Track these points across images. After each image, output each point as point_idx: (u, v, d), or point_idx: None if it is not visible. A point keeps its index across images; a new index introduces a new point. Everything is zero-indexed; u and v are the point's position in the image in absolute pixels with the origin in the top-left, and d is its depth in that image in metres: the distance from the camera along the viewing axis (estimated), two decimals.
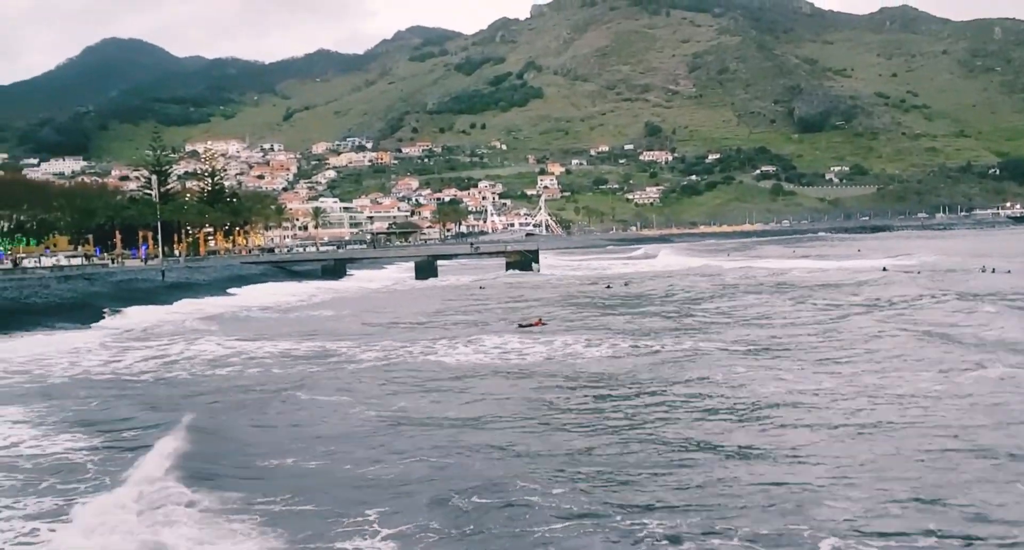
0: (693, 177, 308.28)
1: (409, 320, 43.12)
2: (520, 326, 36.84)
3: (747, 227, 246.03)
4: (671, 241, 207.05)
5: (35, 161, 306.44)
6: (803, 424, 17.14)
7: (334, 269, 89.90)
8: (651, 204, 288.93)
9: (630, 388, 22.08)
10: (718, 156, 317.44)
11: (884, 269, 62.97)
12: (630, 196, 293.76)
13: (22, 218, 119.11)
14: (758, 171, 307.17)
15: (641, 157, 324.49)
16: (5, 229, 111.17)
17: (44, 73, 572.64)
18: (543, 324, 37.11)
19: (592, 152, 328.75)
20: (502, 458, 15.44)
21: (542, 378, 24.06)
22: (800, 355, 26.11)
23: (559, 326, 37.12)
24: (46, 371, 28.56)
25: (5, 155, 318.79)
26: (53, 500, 13.60)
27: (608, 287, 59.74)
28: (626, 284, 61.92)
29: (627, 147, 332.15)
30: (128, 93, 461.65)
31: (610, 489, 13.37)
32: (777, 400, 19.50)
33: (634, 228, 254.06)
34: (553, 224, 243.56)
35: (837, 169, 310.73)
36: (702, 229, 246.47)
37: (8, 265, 72.06)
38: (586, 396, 21.41)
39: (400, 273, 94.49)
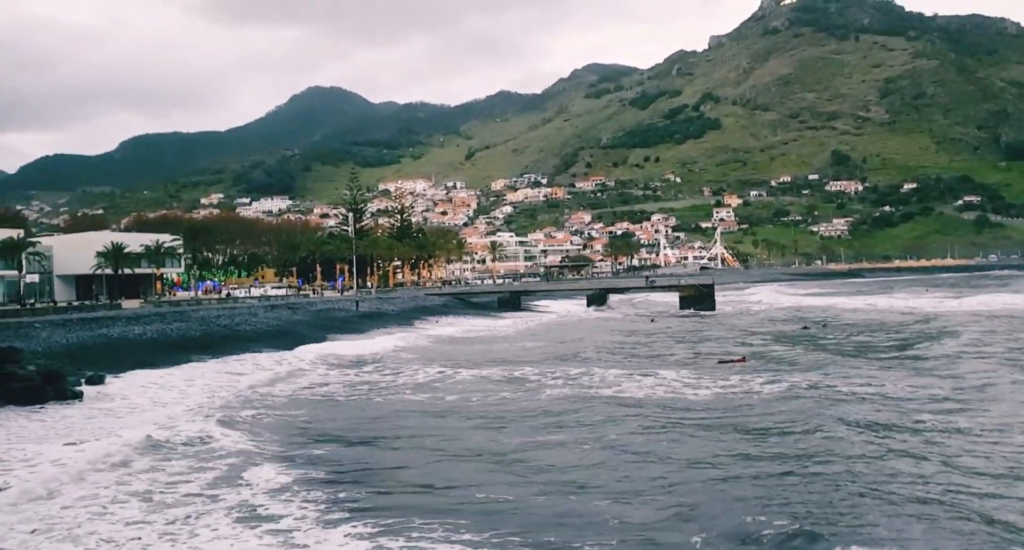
0: (886, 208, 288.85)
1: (586, 353, 44.14)
2: (720, 362, 36.11)
3: (948, 262, 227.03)
4: (861, 276, 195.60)
5: (247, 200, 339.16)
6: None
7: (510, 301, 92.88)
8: (838, 237, 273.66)
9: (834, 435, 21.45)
10: (915, 185, 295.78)
11: None
12: (814, 228, 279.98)
13: (235, 252, 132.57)
14: (960, 201, 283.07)
15: (827, 187, 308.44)
16: (220, 262, 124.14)
17: (256, 120, 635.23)
18: (745, 362, 35.83)
19: (772, 183, 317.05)
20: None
21: (729, 417, 24.08)
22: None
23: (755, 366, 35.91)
24: (269, 391, 32.17)
25: (221, 195, 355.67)
26: None
27: (805, 328, 56.60)
28: (824, 326, 58.54)
29: (811, 177, 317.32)
30: (329, 137, 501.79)
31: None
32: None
33: (819, 262, 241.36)
34: (729, 257, 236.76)
35: None
36: (896, 263, 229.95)
37: (222, 295, 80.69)
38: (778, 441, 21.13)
39: (573, 305, 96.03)
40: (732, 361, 36.08)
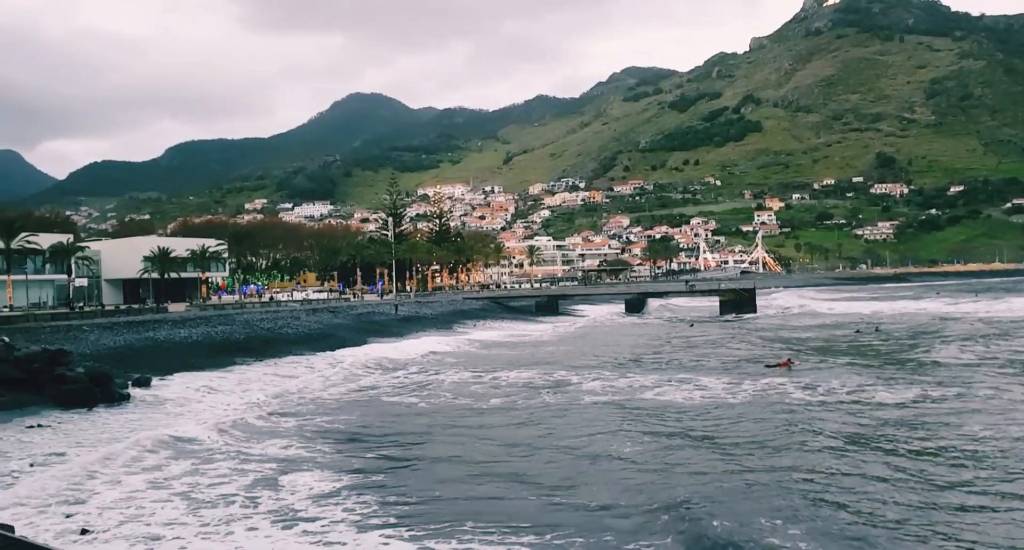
0: (932, 211, 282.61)
1: (624, 357, 43.94)
2: (767, 366, 36.12)
3: (996, 266, 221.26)
4: (908, 280, 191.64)
5: (290, 205, 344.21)
6: None
7: (547, 305, 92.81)
8: (883, 240, 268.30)
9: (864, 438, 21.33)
10: (962, 188, 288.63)
11: None
12: (859, 232, 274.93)
13: (278, 256, 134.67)
14: (1009, 204, 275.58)
15: (872, 190, 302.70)
16: (263, 266, 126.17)
17: (298, 126, 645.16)
18: (791, 366, 35.65)
19: (815, 186, 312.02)
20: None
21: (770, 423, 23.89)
22: None
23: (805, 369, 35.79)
24: (313, 394, 32.61)
25: (265, 200, 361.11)
26: None
27: (857, 332, 56.24)
28: (876, 329, 57.81)
29: (855, 180, 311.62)
30: (369, 143, 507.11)
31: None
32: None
33: (863, 266, 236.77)
34: (771, 261, 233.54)
35: None
36: (943, 267, 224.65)
37: (266, 299, 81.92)
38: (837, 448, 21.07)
39: (611, 310, 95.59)
40: (778, 365, 36.02)
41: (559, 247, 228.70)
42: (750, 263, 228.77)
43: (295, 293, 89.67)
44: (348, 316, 65.31)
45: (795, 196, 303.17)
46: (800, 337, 54.38)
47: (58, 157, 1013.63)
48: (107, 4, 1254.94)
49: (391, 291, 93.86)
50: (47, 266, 68.17)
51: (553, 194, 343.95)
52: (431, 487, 17.43)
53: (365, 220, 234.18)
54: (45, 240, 66.59)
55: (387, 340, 55.71)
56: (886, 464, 17.82)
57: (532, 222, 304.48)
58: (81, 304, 64.98)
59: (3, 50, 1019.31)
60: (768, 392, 28.84)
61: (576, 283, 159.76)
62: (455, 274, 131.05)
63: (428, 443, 22.43)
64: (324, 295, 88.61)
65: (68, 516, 15.69)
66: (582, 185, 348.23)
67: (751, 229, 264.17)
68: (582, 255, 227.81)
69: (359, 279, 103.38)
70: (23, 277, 63.31)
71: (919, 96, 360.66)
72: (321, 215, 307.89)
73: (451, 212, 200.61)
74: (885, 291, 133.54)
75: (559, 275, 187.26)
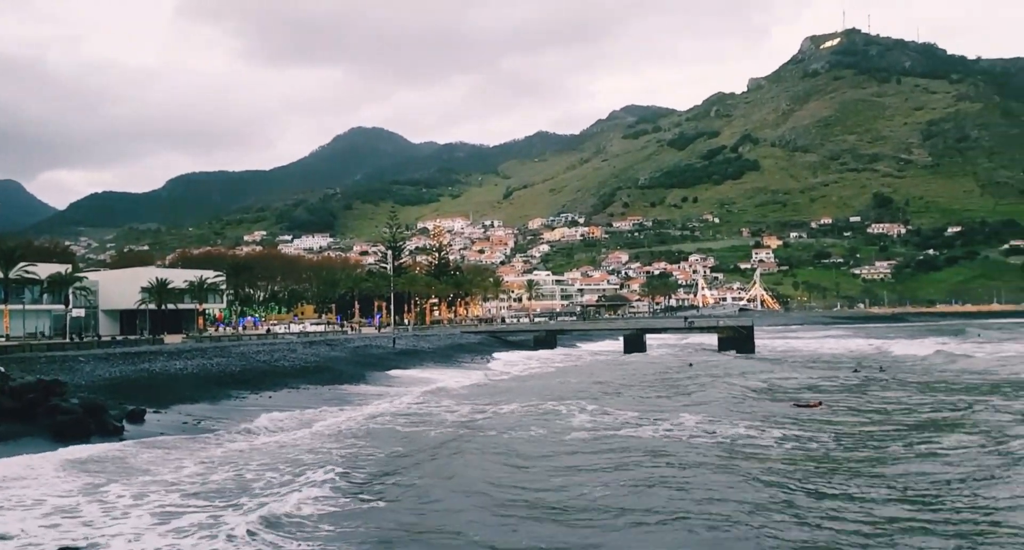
0: (930, 251, 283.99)
1: (621, 393, 43.55)
2: (796, 405, 37.14)
3: (995, 307, 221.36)
4: (906, 320, 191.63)
5: (289, 237, 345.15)
6: None
7: (546, 340, 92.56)
8: (881, 280, 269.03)
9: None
10: (959, 229, 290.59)
11: None
12: (856, 271, 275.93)
13: (276, 288, 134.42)
14: (1007, 245, 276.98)
15: (869, 230, 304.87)
16: (261, 298, 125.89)
17: (299, 159, 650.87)
18: (820, 406, 36.60)
19: (813, 224, 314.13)
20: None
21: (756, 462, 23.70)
22: None
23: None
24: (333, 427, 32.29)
25: (264, 232, 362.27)
26: None
27: (856, 371, 56.36)
28: (881, 369, 57.40)
29: (853, 219, 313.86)
30: (370, 176, 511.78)
31: None
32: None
33: (861, 305, 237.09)
34: (769, 299, 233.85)
35: None
36: (940, 308, 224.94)
37: (262, 331, 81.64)
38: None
39: (609, 345, 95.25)
40: (809, 405, 36.80)
41: (558, 282, 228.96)
42: (748, 300, 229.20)
43: (292, 325, 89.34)
44: (345, 349, 64.91)
45: (793, 234, 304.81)
46: (799, 376, 53.98)
47: (59, 187, 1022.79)
48: (112, 38, 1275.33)
49: (389, 324, 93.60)
50: (45, 296, 68.06)
51: (552, 229, 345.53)
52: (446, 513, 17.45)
53: (364, 253, 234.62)
54: (43, 270, 66.58)
55: (386, 374, 55.39)
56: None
57: (531, 257, 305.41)
58: (76, 335, 64.67)
59: (8, 81, 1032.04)
60: (742, 436, 28.55)
61: (575, 318, 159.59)
62: (454, 308, 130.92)
63: (437, 481, 22.01)
64: (322, 328, 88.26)
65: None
66: (581, 220, 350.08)
67: (749, 267, 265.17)
68: (581, 290, 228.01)
69: (357, 312, 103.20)
70: (20, 307, 63.17)
71: (916, 137, 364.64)
72: (320, 247, 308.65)
73: (450, 246, 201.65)
74: (884, 330, 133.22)
75: (558, 310, 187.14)
